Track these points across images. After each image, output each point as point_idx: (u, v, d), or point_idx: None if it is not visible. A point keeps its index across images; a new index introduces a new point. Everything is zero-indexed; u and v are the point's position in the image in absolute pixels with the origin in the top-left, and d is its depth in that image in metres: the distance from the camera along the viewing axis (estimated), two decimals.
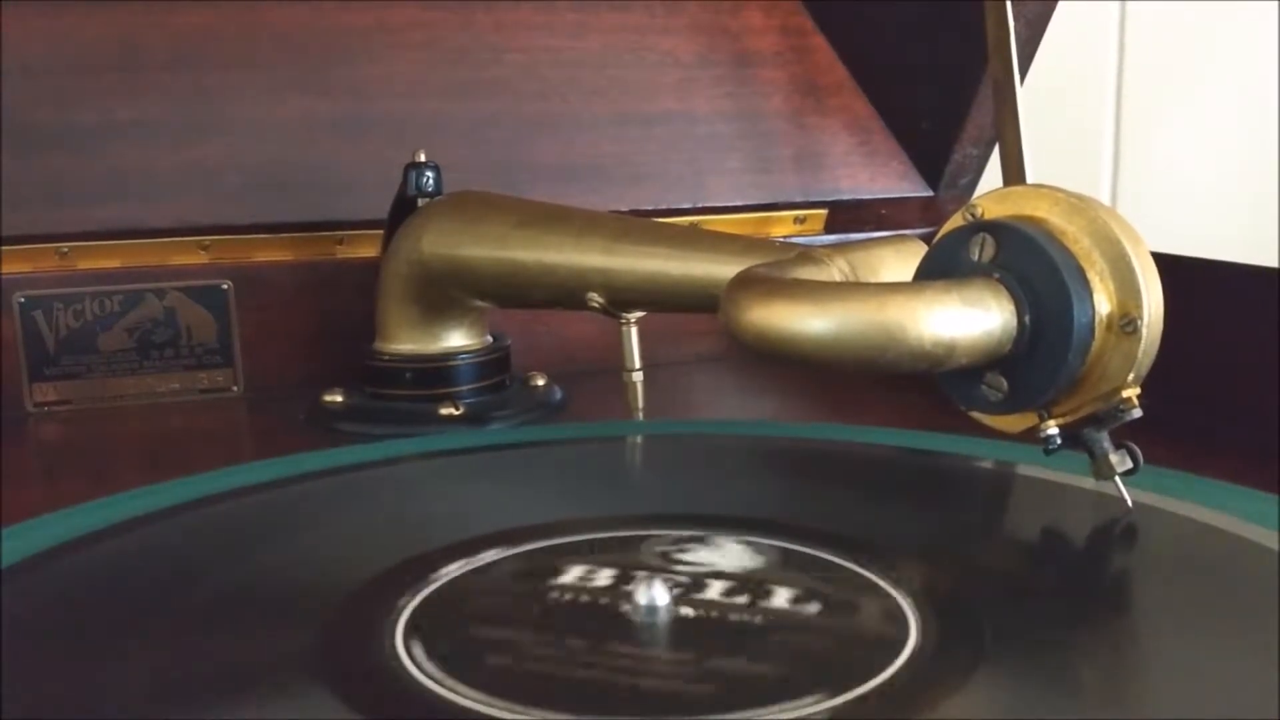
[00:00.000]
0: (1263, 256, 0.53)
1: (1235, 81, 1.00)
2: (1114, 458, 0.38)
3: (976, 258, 0.37)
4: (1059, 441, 0.38)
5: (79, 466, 0.54)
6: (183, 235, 0.62)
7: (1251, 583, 0.34)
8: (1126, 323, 0.36)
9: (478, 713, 0.27)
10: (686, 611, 0.32)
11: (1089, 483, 0.39)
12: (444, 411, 0.55)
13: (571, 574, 0.35)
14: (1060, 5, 0.68)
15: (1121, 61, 0.99)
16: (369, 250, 0.63)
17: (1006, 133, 0.40)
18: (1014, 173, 0.39)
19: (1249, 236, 0.98)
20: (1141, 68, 0.99)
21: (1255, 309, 0.51)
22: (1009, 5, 0.40)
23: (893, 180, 0.75)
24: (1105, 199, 1.01)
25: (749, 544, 0.37)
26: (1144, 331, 0.36)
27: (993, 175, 0.59)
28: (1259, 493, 0.40)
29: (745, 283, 0.36)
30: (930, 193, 0.75)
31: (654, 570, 0.34)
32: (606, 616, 0.32)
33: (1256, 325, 0.51)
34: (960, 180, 0.74)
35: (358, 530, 0.40)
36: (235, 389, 0.63)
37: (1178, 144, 1.01)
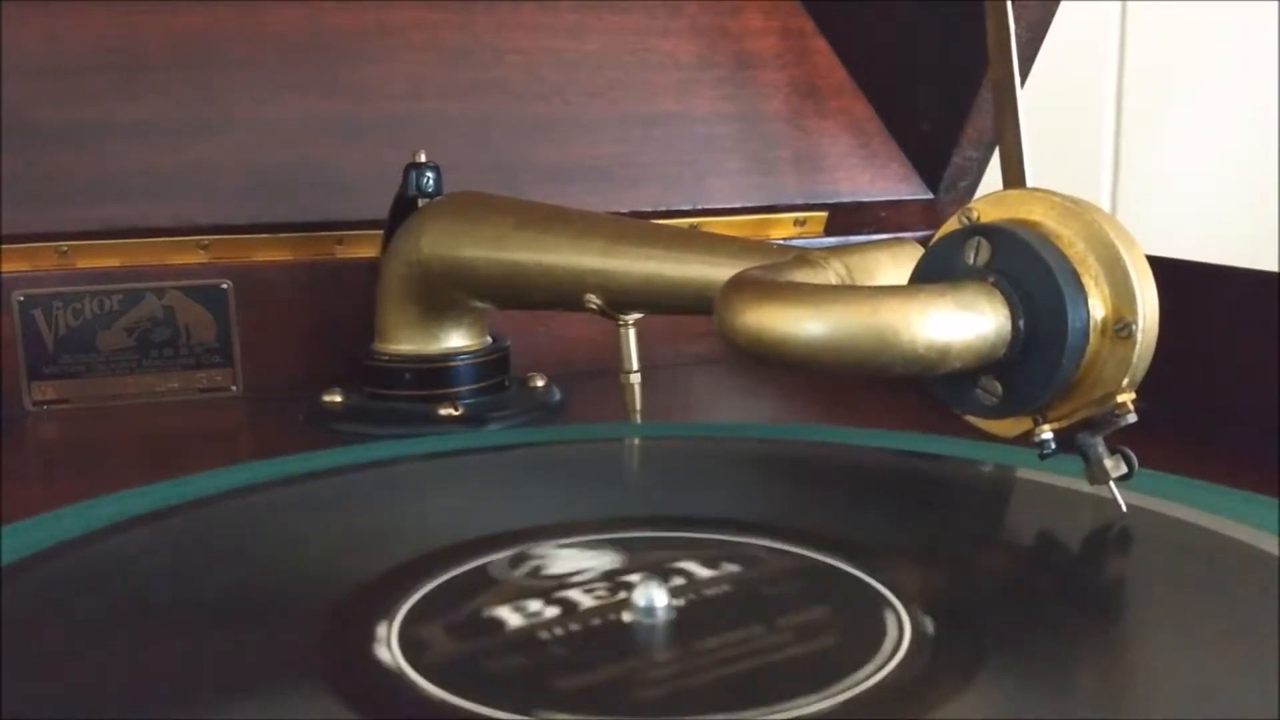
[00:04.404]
0: (1263, 260, 0.53)
1: (1236, 84, 1.00)
2: (1109, 462, 0.38)
3: (971, 261, 0.37)
4: (1054, 446, 0.38)
5: (78, 465, 0.54)
6: (182, 235, 0.62)
7: (1250, 586, 0.34)
8: (1121, 327, 0.36)
9: (476, 714, 0.27)
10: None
11: (1085, 486, 0.39)
12: (443, 412, 0.55)
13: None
14: (1061, 7, 0.68)
15: (1122, 64, 0.99)
16: (368, 250, 0.63)
17: (1007, 135, 0.40)
18: (1014, 176, 0.39)
19: (1249, 240, 0.98)
20: (1142, 70, 0.99)
21: (1253, 313, 0.51)
22: (1010, 7, 0.40)
23: (893, 183, 0.75)
24: (1106, 202, 1.01)
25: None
26: (1139, 336, 0.36)
27: (993, 178, 0.58)
28: (1257, 496, 0.40)
29: (739, 285, 0.36)
30: (930, 195, 0.75)
31: (657, 574, 0.34)
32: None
33: (1254, 329, 0.51)
34: (960, 183, 0.74)
35: (356, 531, 0.40)
36: (234, 389, 0.63)
37: (1178, 147, 1.01)
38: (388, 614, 0.32)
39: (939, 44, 0.71)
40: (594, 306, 0.51)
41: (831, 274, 0.41)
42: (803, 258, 0.41)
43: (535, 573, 0.35)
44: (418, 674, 0.29)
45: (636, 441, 0.52)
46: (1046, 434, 0.38)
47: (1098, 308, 0.36)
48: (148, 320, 0.61)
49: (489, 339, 0.59)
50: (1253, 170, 1.01)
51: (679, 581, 0.34)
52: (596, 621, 0.32)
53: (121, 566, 0.37)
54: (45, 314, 0.60)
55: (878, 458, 0.48)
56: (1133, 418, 0.37)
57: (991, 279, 0.36)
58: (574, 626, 0.31)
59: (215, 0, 0.65)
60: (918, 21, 0.72)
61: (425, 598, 0.33)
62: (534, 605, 0.33)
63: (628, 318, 0.52)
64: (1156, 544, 0.38)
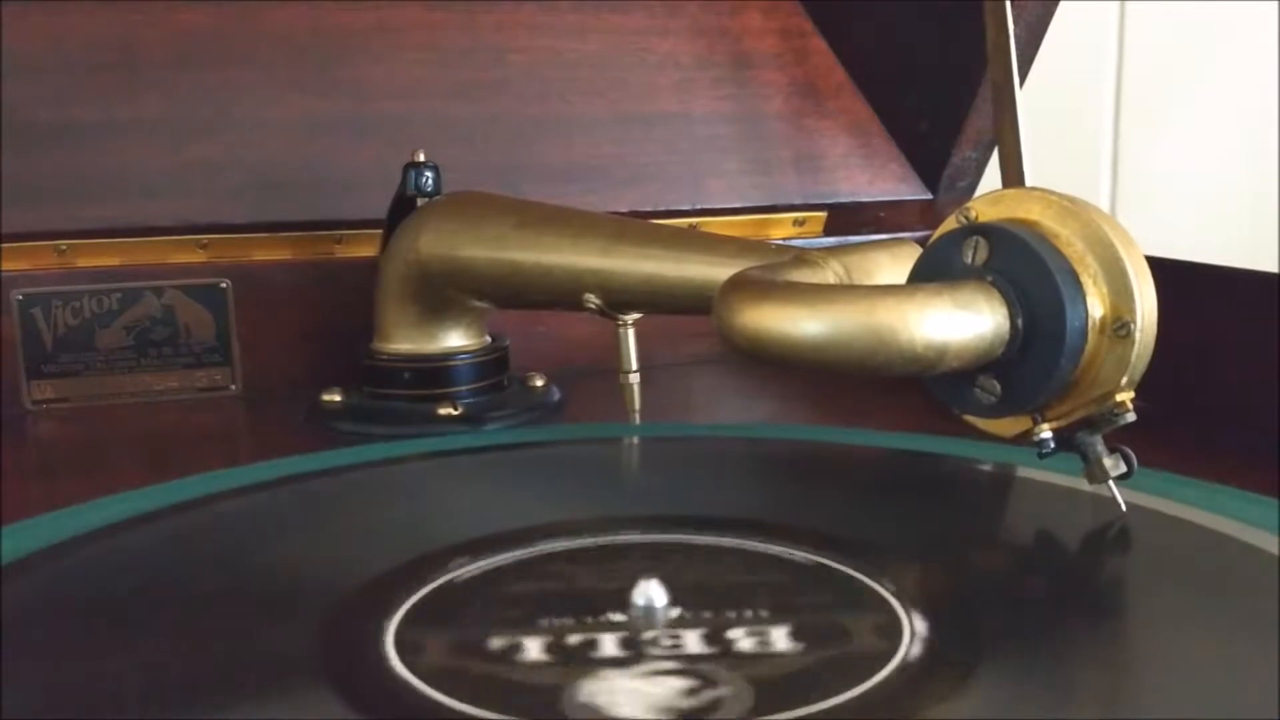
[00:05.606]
0: (1263, 260, 0.53)
1: (1235, 84, 1.00)
2: (1108, 461, 0.38)
3: (969, 260, 0.37)
4: (1053, 445, 0.38)
5: (77, 464, 0.54)
6: (182, 234, 0.62)
7: (1250, 586, 0.34)
8: (1119, 326, 0.36)
9: (474, 714, 0.27)
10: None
11: (1084, 485, 0.39)
12: (442, 411, 0.55)
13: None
14: (1060, 7, 0.68)
15: (1121, 64, 0.99)
16: (368, 250, 0.63)
17: (1006, 136, 0.40)
18: (1013, 176, 0.39)
19: (1249, 240, 0.98)
20: (1142, 70, 0.99)
21: (1253, 313, 0.51)
22: (1009, 7, 0.40)
23: (892, 183, 0.75)
24: (1105, 202, 1.01)
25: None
26: (1137, 335, 0.36)
27: (992, 178, 0.59)
28: (1257, 496, 0.40)
29: (738, 285, 0.36)
30: (929, 195, 0.75)
31: (653, 574, 0.34)
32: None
33: (1254, 329, 0.51)
34: (959, 183, 0.74)
35: (355, 530, 0.40)
36: (233, 388, 0.63)
37: (1177, 147, 1.01)
38: (386, 614, 0.32)
39: (938, 44, 0.71)
40: (593, 306, 0.51)
41: (830, 274, 0.41)
42: (801, 258, 0.41)
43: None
44: (415, 674, 0.29)
45: (635, 441, 0.52)
46: (1046, 433, 0.38)
47: (1096, 307, 0.36)
48: (147, 319, 0.61)
49: (488, 338, 0.59)
50: (1253, 170, 1.01)
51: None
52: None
53: (121, 566, 0.37)
54: (44, 313, 0.60)
55: (877, 458, 0.48)
56: (1131, 417, 0.37)
57: (989, 278, 0.36)
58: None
59: (215, 0, 0.65)
60: (917, 21, 0.72)
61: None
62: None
63: (627, 318, 0.52)
64: (1156, 544, 0.38)
